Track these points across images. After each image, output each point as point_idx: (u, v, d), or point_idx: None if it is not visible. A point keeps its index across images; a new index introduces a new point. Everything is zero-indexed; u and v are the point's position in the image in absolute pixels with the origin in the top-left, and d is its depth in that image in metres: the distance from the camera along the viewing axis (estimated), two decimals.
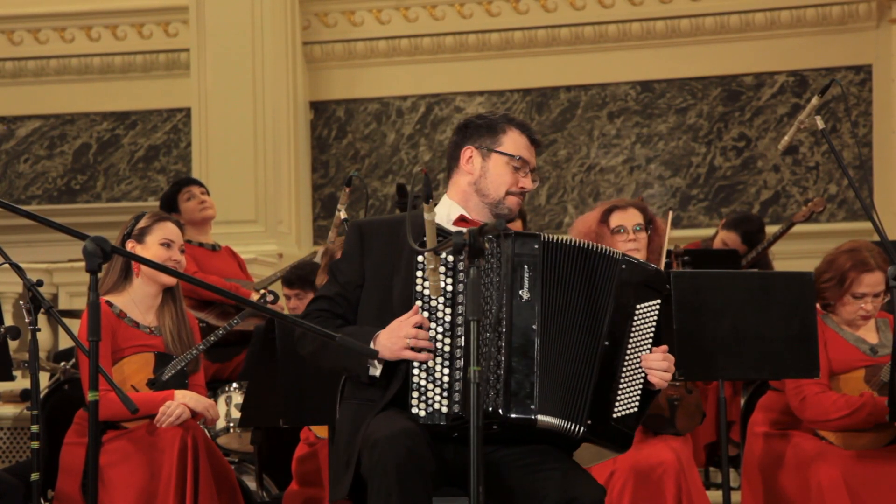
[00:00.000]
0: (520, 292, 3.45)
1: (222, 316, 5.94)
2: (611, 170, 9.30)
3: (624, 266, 3.57)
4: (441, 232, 3.52)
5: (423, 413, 3.42)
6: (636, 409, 3.57)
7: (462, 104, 9.50)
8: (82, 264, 3.23)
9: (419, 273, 3.47)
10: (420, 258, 3.46)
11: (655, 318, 3.61)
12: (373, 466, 3.32)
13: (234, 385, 5.56)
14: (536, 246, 3.49)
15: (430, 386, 3.43)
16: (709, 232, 7.55)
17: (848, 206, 8.99)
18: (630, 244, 4.77)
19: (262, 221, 8.88)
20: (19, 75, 10.07)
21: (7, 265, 4.10)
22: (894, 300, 4.36)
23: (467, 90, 9.51)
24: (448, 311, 3.46)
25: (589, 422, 3.48)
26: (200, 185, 6.69)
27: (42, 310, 3.95)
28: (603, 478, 4.50)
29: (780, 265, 7.10)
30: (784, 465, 4.71)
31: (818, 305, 4.66)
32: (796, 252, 7.63)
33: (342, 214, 5.71)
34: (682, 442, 4.73)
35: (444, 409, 3.41)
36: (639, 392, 3.57)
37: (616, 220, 4.81)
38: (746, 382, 5.67)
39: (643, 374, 3.59)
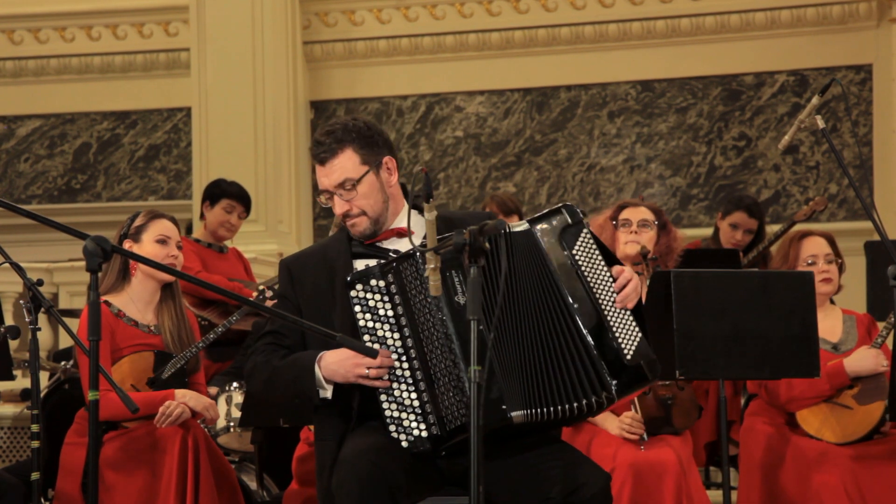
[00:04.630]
0: (455, 298, 3.39)
1: (224, 315, 5.93)
2: (611, 169, 9.29)
3: (537, 227, 3.51)
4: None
5: (406, 444, 3.42)
6: (641, 335, 3.51)
7: (462, 104, 9.50)
8: (82, 264, 3.22)
9: (357, 308, 3.44)
10: (352, 291, 3.44)
11: (594, 245, 3.55)
12: (338, 484, 3.36)
13: (235, 385, 5.56)
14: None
15: (404, 415, 3.42)
16: (709, 231, 7.53)
17: (848, 206, 8.99)
18: (631, 236, 4.83)
19: (263, 221, 8.87)
20: (19, 75, 10.07)
21: (7, 264, 4.10)
22: (895, 300, 4.35)
23: (467, 90, 9.51)
24: (396, 335, 3.44)
25: (614, 381, 3.44)
26: (247, 208, 6.64)
27: (42, 309, 3.96)
28: None
29: None
30: (783, 464, 4.72)
31: None
32: None
33: None
34: (682, 441, 4.73)
35: (424, 434, 3.40)
36: (631, 319, 3.52)
37: (624, 215, 4.99)
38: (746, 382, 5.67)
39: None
